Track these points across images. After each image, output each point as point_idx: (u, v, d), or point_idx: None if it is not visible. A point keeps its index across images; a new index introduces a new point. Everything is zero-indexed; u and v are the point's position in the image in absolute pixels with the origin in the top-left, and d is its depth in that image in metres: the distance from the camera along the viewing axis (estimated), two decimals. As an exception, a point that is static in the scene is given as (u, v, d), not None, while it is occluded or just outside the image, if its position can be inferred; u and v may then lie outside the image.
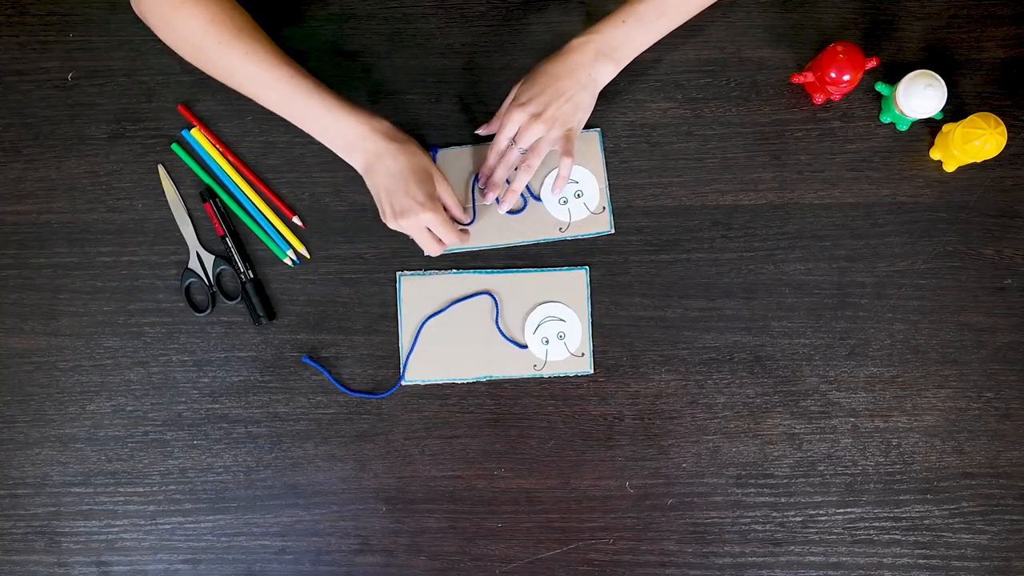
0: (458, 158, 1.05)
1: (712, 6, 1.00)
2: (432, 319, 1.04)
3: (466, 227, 1.02)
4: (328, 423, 1.03)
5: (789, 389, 1.03)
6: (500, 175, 1.01)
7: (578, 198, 1.04)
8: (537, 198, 1.05)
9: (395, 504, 1.03)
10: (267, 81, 0.94)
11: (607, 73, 0.97)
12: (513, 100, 0.98)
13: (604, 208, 1.04)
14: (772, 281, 1.04)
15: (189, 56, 0.95)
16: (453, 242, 0.98)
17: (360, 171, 0.96)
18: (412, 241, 1.04)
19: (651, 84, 1.05)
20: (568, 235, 1.04)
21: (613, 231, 1.04)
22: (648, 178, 1.04)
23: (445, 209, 0.97)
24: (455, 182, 1.04)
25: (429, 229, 0.96)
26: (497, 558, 1.03)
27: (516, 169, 1.00)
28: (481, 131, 1.03)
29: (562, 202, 1.04)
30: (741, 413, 1.03)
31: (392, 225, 0.96)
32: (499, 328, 1.04)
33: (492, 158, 1.01)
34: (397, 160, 0.94)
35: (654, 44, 0.98)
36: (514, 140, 0.97)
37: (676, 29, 0.99)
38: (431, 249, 0.98)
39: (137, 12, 0.96)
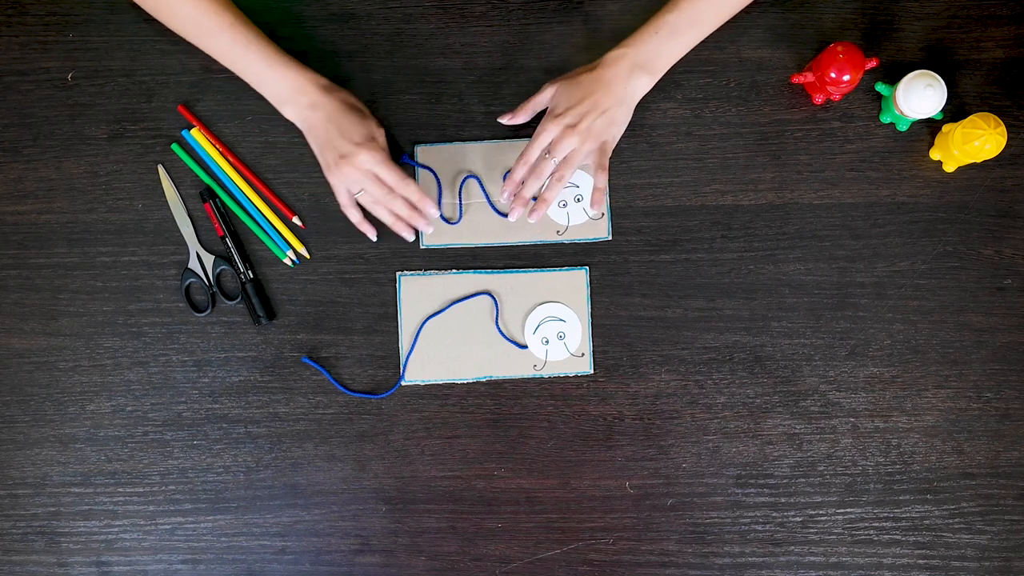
0: (439, 154, 1.04)
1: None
2: (432, 319, 1.04)
3: (427, 201, 0.99)
4: (328, 423, 1.03)
5: (789, 389, 1.03)
6: (531, 188, 0.98)
7: (578, 202, 1.04)
8: (535, 199, 1.04)
9: (395, 504, 1.03)
10: (207, 28, 0.95)
11: (643, 86, 0.97)
12: (549, 111, 0.97)
13: (603, 214, 1.04)
14: (772, 281, 1.04)
15: None
16: (397, 182, 0.96)
17: (299, 126, 0.97)
18: (410, 243, 1.04)
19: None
20: (566, 239, 1.04)
21: (611, 237, 1.04)
22: (648, 178, 1.04)
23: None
24: (442, 179, 1.04)
25: (376, 177, 0.95)
26: (497, 558, 1.03)
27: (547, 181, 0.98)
28: (505, 120, 1.02)
29: (561, 205, 1.04)
30: (741, 413, 1.03)
31: (336, 177, 0.96)
32: (499, 328, 1.04)
33: (521, 170, 0.98)
34: (329, 108, 0.95)
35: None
36: (548, 151, 0.96)
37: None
38: (396, 190, 0.96)
39: None
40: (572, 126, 0.95)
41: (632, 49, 0.96)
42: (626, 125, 0.98)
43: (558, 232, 1.04)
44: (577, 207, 1.04)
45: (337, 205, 1.02)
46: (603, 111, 0.95)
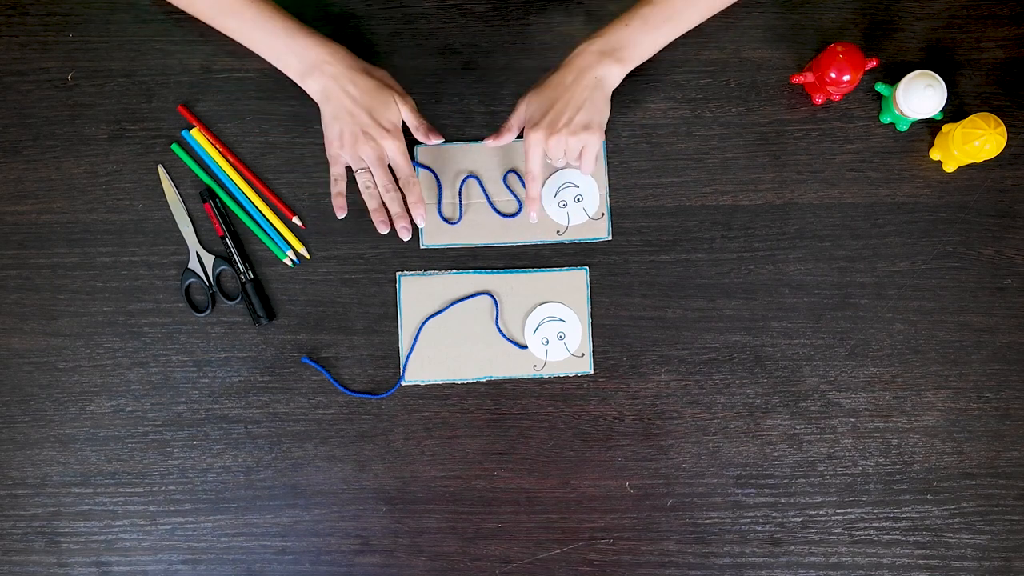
0: (439, 154, 1.04)
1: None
2: (432, 319, 1.04)
3: (420, 209, 0.99)
4: (328, 423, 1.03)
5: (789, 389, 1.03)
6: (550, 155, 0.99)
7: (578, 202, 1.04)
8: (537, 198, 1.05)
9: (395, 504, 1.03)
10: (223, 5, 0.94)
11: (614, 74, 0.95)
12: (526, 121, 0.96)
13: (603, 214, 1.04)
14: (772, 281, 1.04)
15: None
16: (406, 176, 0.96)
17: (317, 97, 0.95)
18: (410, 243, 1.04)
19: (651, 84, 1.05)
20: (566, 239, 1.04)
21: (611, 237, 1.04)
22: (648, 178, 1.04)
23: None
24: (442, 179, 1.04)
25: (388, 166, 0.95)
26: (497, 558, 1.03)
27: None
28: (489, 142, 1.01)
29: (561, 205, 1.04)
30: (741, 413, 1.03)
31: (346, 151, 0.95)
32: (499, 328, 1.04)
33: (534, 187, 0.99)
34: (358, 84, 0.93)
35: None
36: (549, 159, 0.97)
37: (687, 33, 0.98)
38: (383, 183, 0.96)
39: None
40: (553, 129, 0.94)
41: (600, 39, 0.95)
42: (607, 110, 0.96)
43: (558, 232, 1.04)
44: (577, 207, 1.04)
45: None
46: (579, 103, 0.94)
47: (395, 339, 1.04)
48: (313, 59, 0.94)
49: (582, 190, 1.04)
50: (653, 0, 0.95)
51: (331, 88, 0.94)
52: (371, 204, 0.99)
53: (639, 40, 0.95)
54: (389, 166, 0.98)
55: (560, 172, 1.04)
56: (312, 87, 0.95)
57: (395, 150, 0.95)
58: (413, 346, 1.03)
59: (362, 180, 0.98)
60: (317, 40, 0.94)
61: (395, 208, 0.99)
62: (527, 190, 0.99)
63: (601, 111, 0.96)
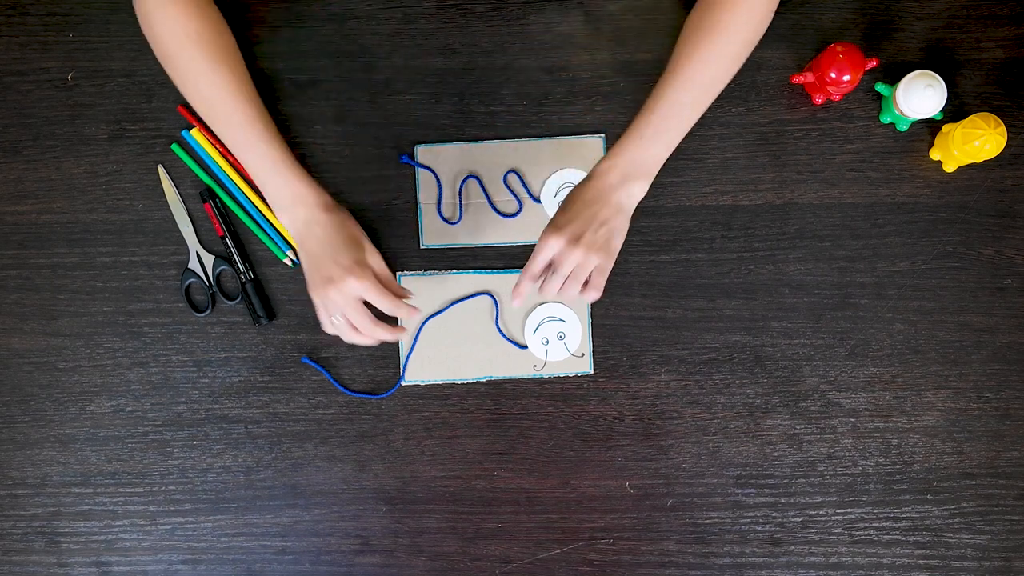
0: (439, 154, 1.04)
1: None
2: (432, 319, 1.04)
3: (412, 305, 0.94)
4: (328, 423, 1.03)
5: (789, 389, 1.03)
6: (542, 293, 0.96)
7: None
8: (536, 199, 1.05)
9: (395, 504, 1.03)
10: (227, 118, 0.93)
11: (638, 192, 0.94)
12: (549, 224, 0.93)
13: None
14: (772, 281, 1.04)
15: (160, 58, 0.95)
16: (390, 309, 0.91)
17: (292, 237, 0.95)
18: (410, 244, 1.04)
19: (651, 84, 1.04)
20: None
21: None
22: (648, 178, 1.04)
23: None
24: (442, 179, 1.04)
25: (363, 302, 0.91)
26: (497, 558, 1.03)
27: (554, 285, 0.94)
28: (515, 303, 0.95)
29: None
30: (741, 413, 1.03)
31: (318, 298, 0.92)
32: (499, 328, 1.04)
33: (527, 285, 0.94)
34: (325, 228, 0.92)
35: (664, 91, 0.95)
36: (552, 268, 0.93)
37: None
38: (365, 326, 0.92)
39: (133, 2, 0.95)
40: (576, 239, 0.91)
41: (620, 159, 0.93)
42: (625, 234, 0.94)
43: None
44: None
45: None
46: (603, 222, 0.91)
47: (395, 339, 1.04)
48: (287, 198, 0.93)
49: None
50: (656, 104, 0.94)
51: (301, 231, 0.93)
52: (352, 340, 0.94)
53: (656, 151, 0.94)
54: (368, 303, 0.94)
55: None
56: (285, 223, 0.94)
57: (364, 289, 0.90)
58: (413, 346, 1.03)
59: (338, 324, 0.93)
60: (295, 179, 0.93)
61: (384, 337, 0.94)
62: (518, 283, 0.94)
63: (620, 235, 0.93)
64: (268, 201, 0.94)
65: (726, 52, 0.95)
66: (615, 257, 0.93)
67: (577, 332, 1.04)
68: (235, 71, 0.94)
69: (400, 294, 0.95)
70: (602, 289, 0.93)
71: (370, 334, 0.93)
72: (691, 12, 0.98)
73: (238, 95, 0.93)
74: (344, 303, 0.91)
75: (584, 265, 0.92)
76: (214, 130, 0.95)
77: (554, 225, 0.92)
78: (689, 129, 0.96)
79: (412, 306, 0.94)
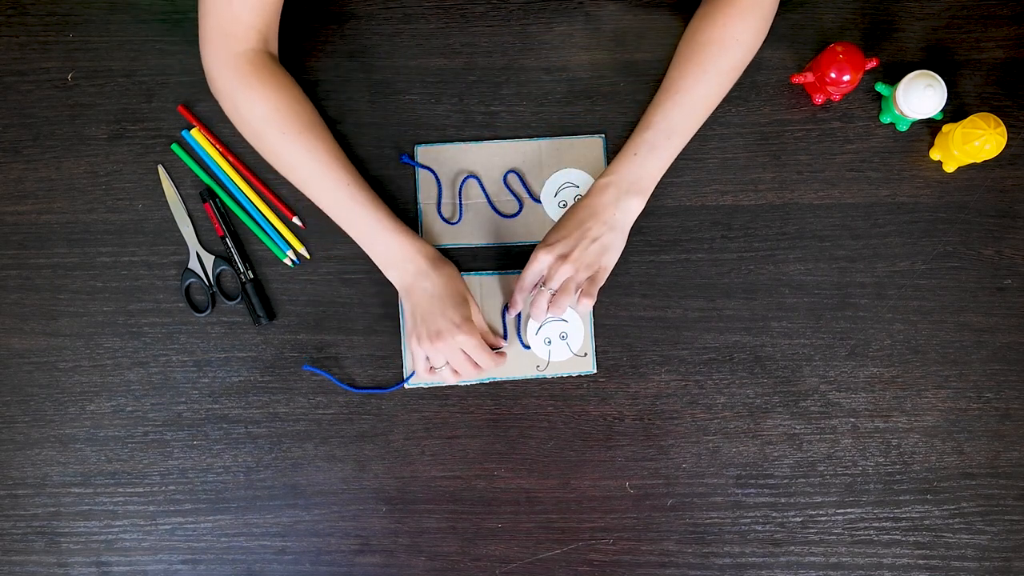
0: (439, 154, 1.04)
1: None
2: (432, 319, 1.04)
3: (502, 351, 1.00)
4: (328, 423, 1.03)
5: (789, 389, 1.03)
6: (532, 324, 1.02)
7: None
8: (536, 199, 1.05)
9: (395, 504, 1.03)
10: (324, 184, 0.95)
11: (634, 208, 0.98)
12: (541, 241, 0.97)
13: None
14: (772, 281, 1.04)
15: (249, 139, 0.96)
16: (488, 365, 0.96)
17: (399, 289, 0.97)
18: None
19: (651, 84, 1.05)
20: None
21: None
22: (648, 178, 1.04)
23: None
24: (442, 179, 1.04)
25: (463, 352, 0.95)
26: (497, 558, 1.03)
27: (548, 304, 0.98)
28: (510, 312, 1.02)
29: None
30: (741, 413, 1.03)
31: (424, 348, 0.95)
32: (504, 328, 1.04)
33: (520, 300, 1.00)
34: (435, 283, 0.95)
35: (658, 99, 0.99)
36: (543, 282, 0.97)
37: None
38: (466, 371, 0.96)
39: (210, 86, 0.96)
40: (565, 256, 0.95)
41: (616, 176, 0.97)
42: (620, 251, 0.98)
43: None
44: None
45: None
46: (594, 239, 0.95)
47: (395, 339, 1.04)
48: (396, 255, 0.96)
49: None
50: (653, 120, 0.97)
51: (410, 285, 0.95)
52: (449, 383, 1.00)
53: (651, 168, 0.98)
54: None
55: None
56: (393, 279, 0.97)
57: (469, 344, 0.94)
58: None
59: (442, 375, 0.98)
60: (401, 235, 0.96)
61: (489, 371, 0.99)
62: (511, 299, 1.01)
63: (615, 251, 0.97)
64: (376, 259, 0.97)
65: (721, 68, 0.98)
66: (608, 272, 0.98)
67: (579, 332, 1.03)
68: (324, 139, 0.96)
69: (495, 345, 1.00)
70: (595, 296, 0.97)
71: (474, 376, 0.98)
72: (687, 28, 0.99)
73: (333, 162, 0.95)
74: (450, 355, 0.95)
75: (574, 279, 0.96)
76: (312, 199, 0.97)
77: (545, 242, 0.97)
78: (685, 145, 0.99)
79: (503, 352, 1.00)
